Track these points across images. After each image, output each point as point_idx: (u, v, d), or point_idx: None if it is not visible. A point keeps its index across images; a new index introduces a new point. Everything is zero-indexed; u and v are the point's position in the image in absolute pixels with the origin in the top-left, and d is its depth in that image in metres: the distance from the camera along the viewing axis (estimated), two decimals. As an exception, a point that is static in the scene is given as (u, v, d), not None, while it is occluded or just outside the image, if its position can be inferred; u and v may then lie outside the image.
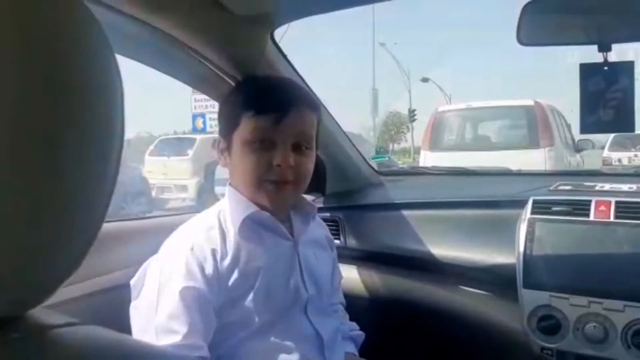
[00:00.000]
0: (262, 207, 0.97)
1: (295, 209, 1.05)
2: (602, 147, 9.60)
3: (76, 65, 0.33)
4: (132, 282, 1.00)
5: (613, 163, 8.82)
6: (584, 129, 0.88)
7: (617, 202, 1.17)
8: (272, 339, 0.94)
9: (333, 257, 1.19)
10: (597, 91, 0.87)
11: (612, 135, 8.83)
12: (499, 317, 1.26)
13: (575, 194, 1.29)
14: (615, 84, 0.86)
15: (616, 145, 9.25)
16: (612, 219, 1.14)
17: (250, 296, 0.93)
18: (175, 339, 0.85)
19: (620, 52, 0.87)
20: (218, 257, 0.91)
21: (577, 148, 6.40)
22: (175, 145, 9.33)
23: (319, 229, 1.15)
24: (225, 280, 0.91)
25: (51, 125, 0.31)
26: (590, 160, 6.95)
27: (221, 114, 1.04)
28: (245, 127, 0.95)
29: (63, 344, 0.36)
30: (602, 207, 1.17)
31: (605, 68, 0.86)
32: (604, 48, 0.86)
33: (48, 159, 0.31)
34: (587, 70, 0.87)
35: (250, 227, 0.96)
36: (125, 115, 0.37)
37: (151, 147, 9.67)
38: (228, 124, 0.99)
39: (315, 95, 1.14)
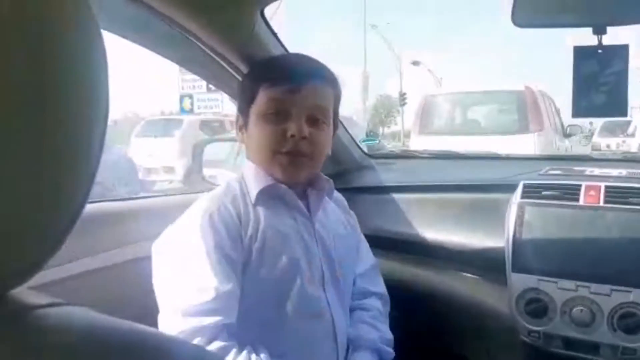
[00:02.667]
0: (278, 181, 0.97)
1: (312, 186, 1.04)
2: (591, 133, 9.68)
3: (60, 39, 0.32)
4: (154, 250, 0.96)
5: (602, 148, 8.91)
6: (576, 113, 0.87)
7: (606, 187, 1.17)
8: (286, 310, 0.93)
9: (356, 239, 1.17)
10: (590, 74, 0.86)
11: (601, 122, 8.94)
12: (487, 300, 1.27)
13: (565, 178, 1.29)
14: (609, 68, 0.85)
15: (605, 131, 9.36)
16: (601, 203, 1.15)
17: (266, 266, 0.92)
18: (207, 296, 0.83)
19: (614, 35, 0.86)
20: (242, 222, 0.92)
21: (566, 133, 6.44)
22: (162, 126, 9.23)
23: (338, 211, 1.13)
24: (247, 247, 0.91)
25: (33, 104, 0.30)
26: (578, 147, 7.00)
27: (240, 90, 1.04)
28: (261, 99, 0.95)
29: (46, 324, 0.35)
30: (592, 192, 1.17)
31: (600, 51, 0.85)
32: (599, 30, 0.85)
33: (30, 138, 0.30)
34: (581, 53, 0.86)
35: (267, 199, 0.96)
36: (110, 95, 0.36)
37: (137, 128, 9.56)
38: (245, 99, 0.99)
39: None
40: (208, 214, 0.90)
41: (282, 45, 1.22)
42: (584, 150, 7.57)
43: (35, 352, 0.31)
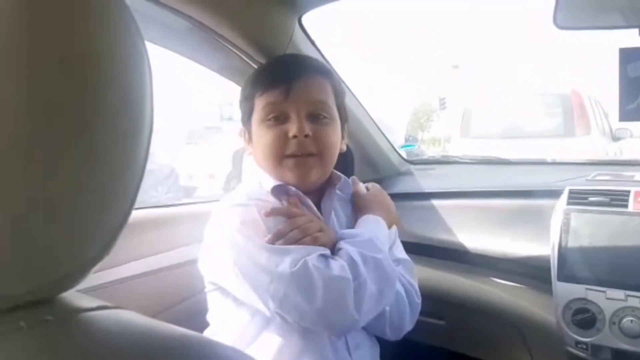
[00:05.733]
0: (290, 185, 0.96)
1: (328, 184, 1.03)
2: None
3: (109, 55, 0.33)
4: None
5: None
6: (623, 117, 0.84)
7: (657, 193, 1.12)
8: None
9: None
10: (637, 77, 0.83)
11: (651, 124, 8.55)
12: (531, 310, 1.23)
13: (613, 184, 1.24)
14: (657, 69, 0.82)
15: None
16: (652, 210, 1.10)
17: None
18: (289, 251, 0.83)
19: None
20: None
21: (615, 137, 6.19)
22: (203, 134, 9.42)
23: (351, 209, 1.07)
24: None
25: (84, 114, 0.32)
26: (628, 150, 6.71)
27: (240, 104, 1.03)
28: (258, 107, 0.95)
29: (95, 327, 0.36)
30: (642, 198, 1.12)
31: (647, 53, 0.82)
32: (646, 31, 0.81)
33: (83, 145, 0.32)
34: (627, 55, 0.83)
35: (281, 197, 0.95)
36: (154, 106, 0.37)
37: (181, 137, 9.77)
38: (245, 111, 1.00)
39: (338, 75, 1.10)
40: (248, 212, 0.90)
41: (321, 53, 1.23)
42: (634, 154, 7.25)
43: (86, 354, 0.33)
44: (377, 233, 0.95)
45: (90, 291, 1.01)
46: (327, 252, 0.86)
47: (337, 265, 0.83)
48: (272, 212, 0.89)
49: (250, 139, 1.01)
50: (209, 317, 0.99)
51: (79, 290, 0.39)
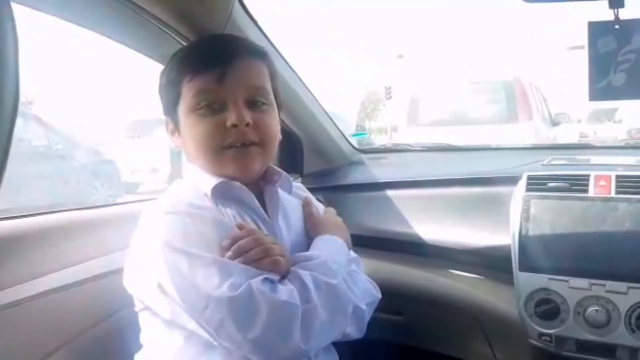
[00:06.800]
0: (230, 179, 0.85)
1: (265, 179, 0.92)
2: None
3: None
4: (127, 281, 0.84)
5: (589, 136, 8.93)
6: (593, 96, 0.78)
7: (617, 176, 1.09)
8: None
9: None
10: (607, 53, 0.77)
11: (589, 109, 8.99)
12: (491, 302, 1.19)
13: (571, 168, 1.21)
14: (627, 45, 0.77)
15: (592, 119, 9.43)
16: (613, 194, 1.07)
17: None
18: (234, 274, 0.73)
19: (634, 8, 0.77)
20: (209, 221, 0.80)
21: (554, 122, 6.41)
22: (144, 126, 9.05)
23: (297, 209, 0.98)
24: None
25: None
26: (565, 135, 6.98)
27: (160, 91, 0.90)
28: (187, 94, 0.84)
29: None
30: (602, 182, 1.09)
31: (617, 27, 0.77)
32: (616, 4, 0.76)
33: None
34: (597, 30, 0.78)
35: (222, 200, 0.84)
36: (19, 82, 0.31)
37: (123, 130, 9.36)
38: (169, 99, 0.87)
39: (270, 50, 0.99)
40: (181, 219, 0.78)
41: (264, 34, 1.12)
42: (572, 139, 7.56)
43: None
44: (334, 255, 0.86)
45: (10, 307, 0.87)
46: (276, 277, 0.77)
47: (285, 291, 0.74)
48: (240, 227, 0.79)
49: (176, 131, 0.89)
50: (142, 339, 0.87)
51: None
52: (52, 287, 0.98)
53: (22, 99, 0.32)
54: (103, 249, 1.12)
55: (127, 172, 7.03)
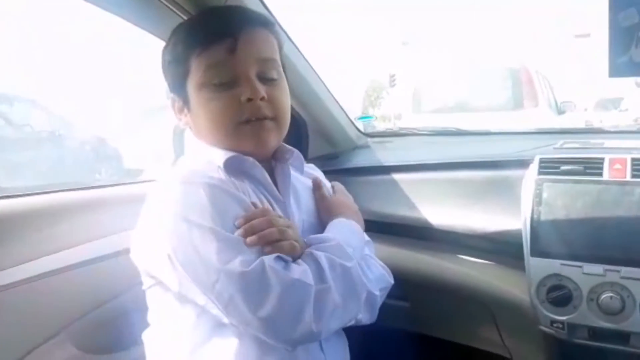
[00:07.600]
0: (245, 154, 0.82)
1: (275, 159, 0.89)
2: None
3: None
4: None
5: (595, 124, 8.85)
6: (613, 72, 0.74)
7: (633, 160, 1.05)
8: None
9: None
10: (629, 27, 0.73)
11: (595, 98, 8.89)
12: (502, 288, 1.15)
13: (585, 151, 1.17)
14: (652, 17, 0.73)
15: (599, 107, 9.35)
16: (628, 177, 1.03)
17: None
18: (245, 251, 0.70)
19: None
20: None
21: (560, 110, 6.34)
22: (148, 112, 9.03)
23: (307, 189, 0.95)
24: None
25: None
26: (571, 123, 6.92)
27: (166, 67, 0.87)
28: (197, 69, 0.80)
29: None
30: (617, 165, 1.05)
31: (641, -2, 0.73)
32: (639, -26, 0.72)
33: None
34: (619, 2, 0.74)
35: (235, 174, 0.81)
36: None
37: (132, 117, 9.34)
38: (177, 75, 0.84)
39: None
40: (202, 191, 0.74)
41: (264, 5, 1.08)
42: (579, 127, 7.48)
43: None
44: (349, 239, 0.83)
45: (10, 288, 0.84)
46: (289, 258, 0.74)
47: (298, 269, 0.71)
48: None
49: (185, 108, 0.85)
50: (149, 317, 0.84)
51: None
52: (52, 268, 0.96)
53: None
54: (102, 230, 1.10)
55: (130, 157, 7.02)
